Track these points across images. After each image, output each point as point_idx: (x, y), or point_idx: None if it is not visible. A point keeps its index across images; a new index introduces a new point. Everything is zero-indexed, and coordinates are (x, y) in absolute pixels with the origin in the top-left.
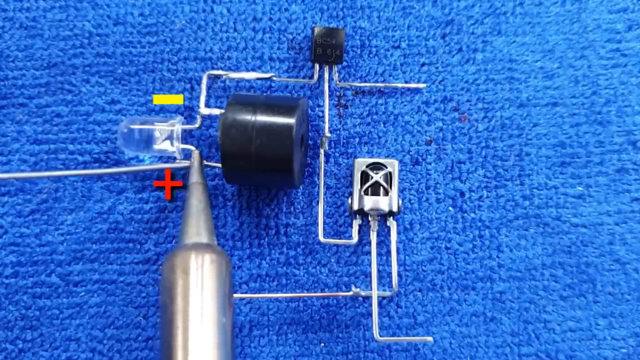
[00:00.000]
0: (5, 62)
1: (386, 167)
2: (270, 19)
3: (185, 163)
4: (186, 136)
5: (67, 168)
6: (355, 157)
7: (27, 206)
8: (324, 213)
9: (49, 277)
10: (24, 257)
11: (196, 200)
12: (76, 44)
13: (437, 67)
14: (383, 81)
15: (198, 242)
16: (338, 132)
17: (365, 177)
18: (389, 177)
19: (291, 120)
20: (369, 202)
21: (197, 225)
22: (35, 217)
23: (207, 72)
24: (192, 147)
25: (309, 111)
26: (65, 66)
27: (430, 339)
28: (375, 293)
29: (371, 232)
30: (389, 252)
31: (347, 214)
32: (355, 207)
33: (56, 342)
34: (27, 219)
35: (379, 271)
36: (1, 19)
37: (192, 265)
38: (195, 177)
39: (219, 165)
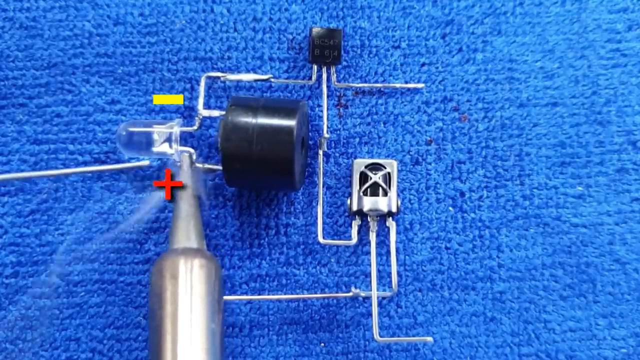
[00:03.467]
0: (5, 62)
1: (385, 168)
2: (270, 19)
3: (142, 163)
4: (186, 137)
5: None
6: (355, 157)
7: (27, 206)
8: (323, 213)
9: (49, 277)
10: (24, 257)
11: (185, 204)
12: (76, 44)
13: (437, 67)
14: (383, 81)
15: (187, 247)
16: (338, 132)
17: (364, 177)
18: (387, 178)
19: (292, 123)
20: (368, 202)
21: (186, 230)
22: (35, 217)
23: (205, 74)
24: (191, 149)
25: (309, 112)
26: (65, 66)
27: (430, 339)
28: (375, 293)
29: (370, 233)
30: (388, 252)
31: (347, 214)
32: (354, 207)
33: (56, 342)
34: (27, 219)
35: (379, 271)
36: (1, 19)
37: (180, 270)
38: (184, 181)
39: (219, 167)
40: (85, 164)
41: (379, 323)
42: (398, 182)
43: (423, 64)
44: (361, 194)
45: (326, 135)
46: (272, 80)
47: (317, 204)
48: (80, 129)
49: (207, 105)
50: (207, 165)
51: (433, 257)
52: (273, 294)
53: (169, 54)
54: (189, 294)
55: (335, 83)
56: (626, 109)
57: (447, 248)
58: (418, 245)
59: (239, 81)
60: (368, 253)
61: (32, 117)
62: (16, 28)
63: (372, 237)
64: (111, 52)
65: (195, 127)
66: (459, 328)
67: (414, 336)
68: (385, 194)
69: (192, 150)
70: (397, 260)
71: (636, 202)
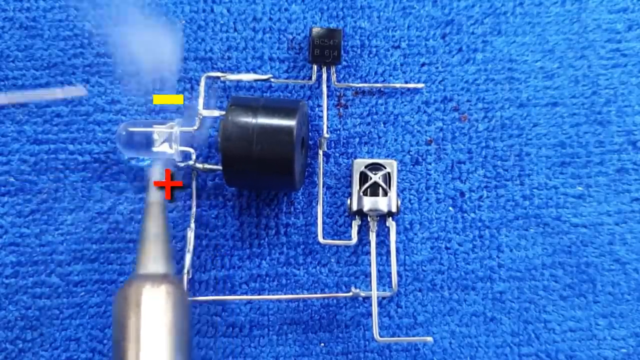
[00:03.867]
0: (5, 62)
1: (385, 168)
2: (270, 19)
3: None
4: (186, 137)
5: (67, 168)
6: (355, 157)
7: (27, 206)
8: (323, 213)
9: (49, 277)
10: (24, 257)
11: (153, 224)
12: (76, 44)
13: (437, 67)
14: (383, 81)
15: (153, 273)
16: (338, 132)
17: (364, 177)
18: (387, 178)
19: (292, 123)
20: (368, 202)
21: (153, 252)
22: (35, 217)
23: (205, 74)
24: (191, 149)
25: (309, 112)
26: (65, 66)
27: (430, 339)
28: (375, 293)
29: (370, 233)
30: (388, 252)
31: (347, 214)
32: (354, 207)
33: (56, 342)
34: (27, 219)
35: (379, 271)
36: (1, 19)
37: (145, 298)
38: (152, 196)
39: (219, 167)
40: (85, 164)
41: (379, 323)
42: (398, 182)
43: (423, 64)
44: (361, 194)
45: (326, 135)
46: (272, 80)
47: (317, 204)
48: (80, 129)
49: (207, 105)
50: (207, 165)
51: (433, 257)
52: (273, 294)
53: None
54: (153, 325)
55: (335, 83)
56: (626, 109)
57: (447, 248)
58: (418, 245)
59: (239, 81)
60: (368, 253)
61: (32, 117)
62: (16, 28)
63: (372, 237)
64: (111, 52)
65: (195, 127)
66: (459, 328)
67: (414, 336)
68: (385, 194)
69: (191, 150)
70: (397, 260)
71: (636, 202)
